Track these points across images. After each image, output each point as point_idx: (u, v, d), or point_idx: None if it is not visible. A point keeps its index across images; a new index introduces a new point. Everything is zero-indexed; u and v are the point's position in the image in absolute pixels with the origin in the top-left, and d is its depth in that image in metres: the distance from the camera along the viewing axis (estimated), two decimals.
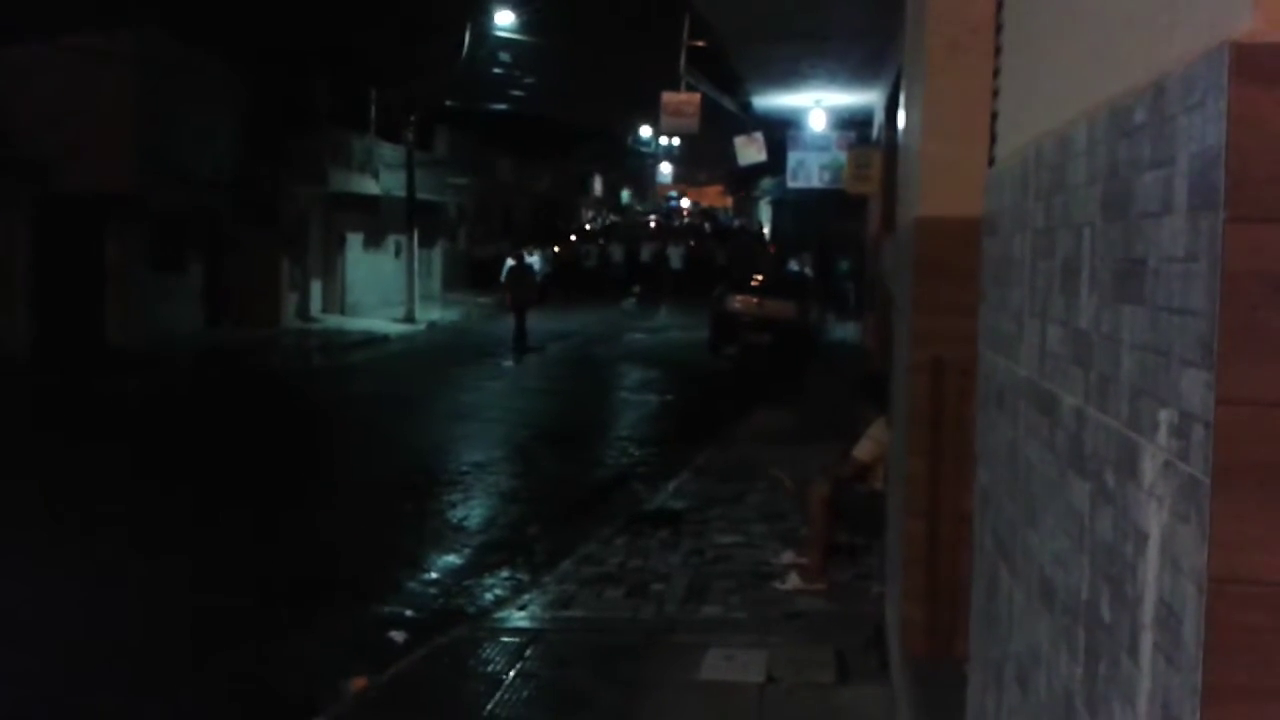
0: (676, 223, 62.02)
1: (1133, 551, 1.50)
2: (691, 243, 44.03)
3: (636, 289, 34.99)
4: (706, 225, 59.93)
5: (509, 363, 19.85)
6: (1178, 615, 1.31)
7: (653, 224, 57.41)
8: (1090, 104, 1.87)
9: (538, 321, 24.32)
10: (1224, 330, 1.20)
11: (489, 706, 5.09)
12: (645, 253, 40.57)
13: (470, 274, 34.51)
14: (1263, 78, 1.19)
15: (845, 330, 23.10)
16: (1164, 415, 1.38)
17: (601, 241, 42.65)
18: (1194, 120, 1.30)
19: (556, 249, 36.42)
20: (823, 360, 18.32)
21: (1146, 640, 1.43)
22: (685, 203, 69.83)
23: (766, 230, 48.68)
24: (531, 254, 30.31)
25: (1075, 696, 1.79)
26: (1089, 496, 1.75)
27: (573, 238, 43.35)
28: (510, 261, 23.58)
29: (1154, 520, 1.41)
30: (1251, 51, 1.20)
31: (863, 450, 6.89)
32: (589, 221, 54.07)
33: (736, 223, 58.04)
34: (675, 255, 40.20)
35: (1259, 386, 1.19)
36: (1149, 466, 1.44)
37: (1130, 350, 1.55)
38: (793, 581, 6.75)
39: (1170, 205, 1.39)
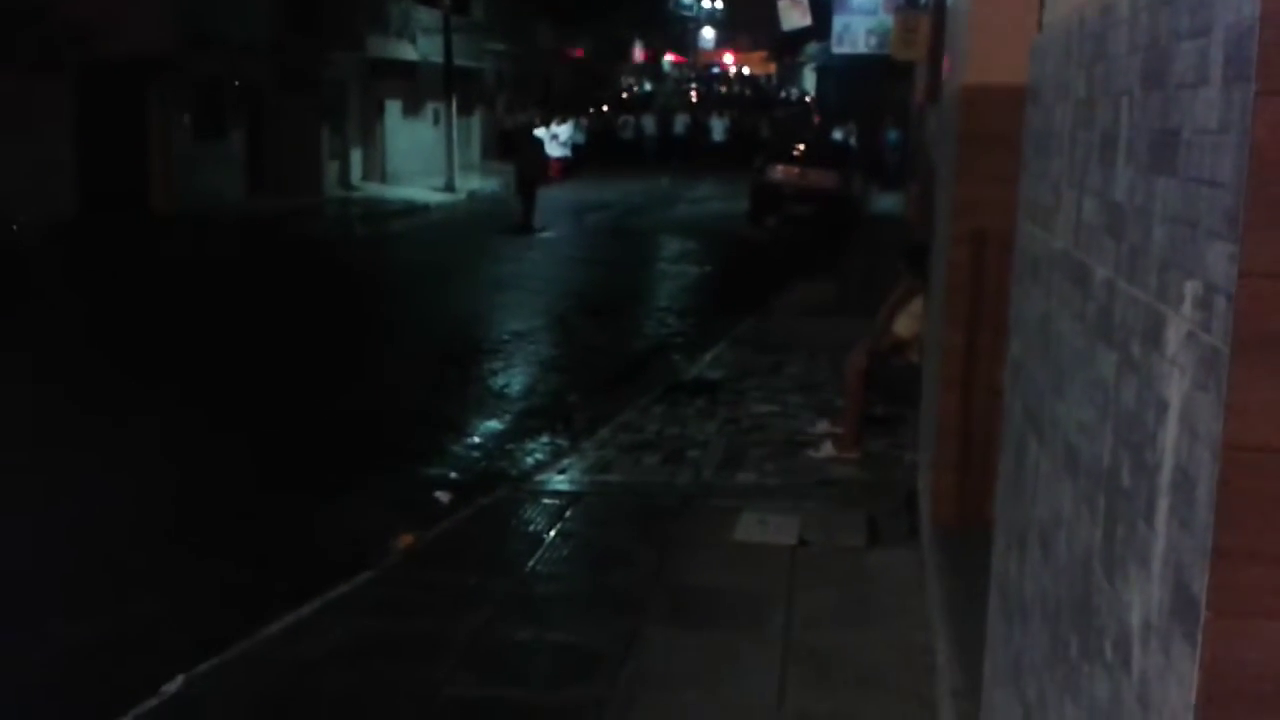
0: (722, 90, 60.10)
1: (1154, 420, 1.54)
2: (735, 113, 42.62)
3: (672, 164, 33.77)
4: (748, 92, 58.48)
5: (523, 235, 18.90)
6: (1192, 481, 1.35)
7: (693, 93, 55.57)
8: None
9: (570, 192, 24.14)
10: (1249, 203, 1.21)
11: (531, 563, 5.28)
12: (680, 124, 38.59)
13: (502, 146, 33.16)
14: None
15: (888, 201, 22.82)
16: (1189, 286, 1.40)
17: (633, 114, 40.44)
18: None
19: (586, 120, 35.01)
20: (865, 231, 18.17)
21: (1163, 505, 1.48)
22: (730, 67, 67.18)
23: (809, 98, 47.43)
24: (561, 124, 29.79)
25: (1094, 558, 1.85)
26: (1115, 367, 1.78)
27: (604, 107, 41.52)
28: (537, 131, 23.24)
29: (1175, 389, 1.45)
30: None
31: (902, 326, 6.92)
32: (626, 90, 52.25)
33: (783, 93, 56.24)
34: (718, 128, 38.23)
35: None
36: (1173, 337, 1.47)
37: (1161, 222, 1.56)
38: (827, 450, 6.86)
39: (1205, 76, 1.38)
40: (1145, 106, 1.69)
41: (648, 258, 17.49)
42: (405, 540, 5.65)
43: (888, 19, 17.54)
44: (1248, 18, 1.24)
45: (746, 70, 66.96)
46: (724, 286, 14.37)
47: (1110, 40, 1.97)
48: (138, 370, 9.08)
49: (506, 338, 10.99)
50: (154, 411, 7.91)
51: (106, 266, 14.64)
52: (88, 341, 10.25)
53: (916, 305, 6.79)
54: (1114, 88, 1.92)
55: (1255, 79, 1.21)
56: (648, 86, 56.42)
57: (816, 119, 36.29)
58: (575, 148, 30.66)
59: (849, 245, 16.65)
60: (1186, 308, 1.41)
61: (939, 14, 10.88)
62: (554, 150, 28.31)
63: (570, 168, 29.36)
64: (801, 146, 22.34)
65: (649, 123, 38.60)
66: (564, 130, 29.90)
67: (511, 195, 20.96)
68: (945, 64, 6.51)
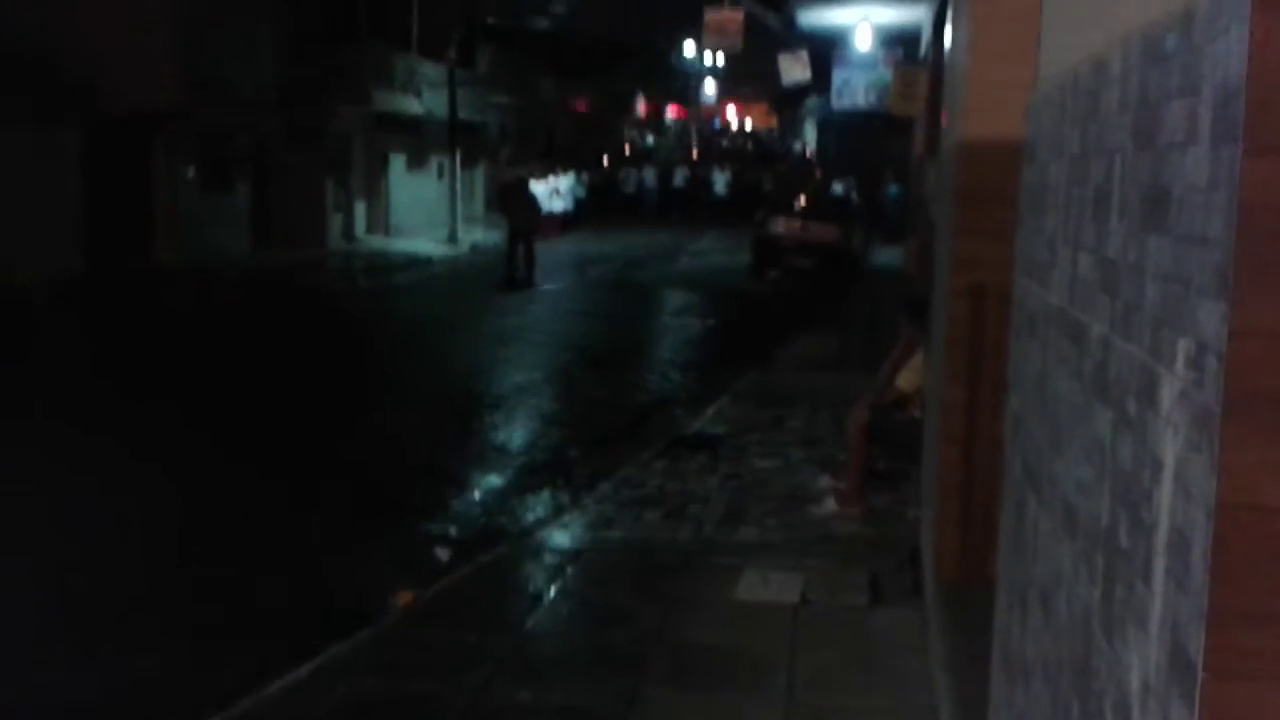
0: (725, 143, 60.30)
1: (1150, 479, 1.53)
2: (737, 167, 42.79)
3: (672, 218, 33.96)
4: (750, 146, 58.79)
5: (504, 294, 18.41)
6: (1188, 541, 1.33)
7: (694, 146, 55.70)
8: (1128, 29, 1.85)
9: (572, 245, 24.23)
10: (1239, 262, 1.21)
11: (530, 621, 5.23)
12: (680, 177, 38.59)
13: (499, 199, 33.34)
14: None
15: (888, 254, 22.90)
16: (1182, 345, 1.39)
17: (635, 167, 40.78)
18: (1218, 50, 1.30)
19: (586, 173, 35.02)
20: (866, 285, 18.21)
21: (1159, 565, 1.46)
22: (732, 120, 67.48)
23: (810, 150, 47.67)
24: (561, 177, 29.89)
25: (1093, 618, 1.83)
26: (1111, 425, 1.77)
27: (605, 161, 41.59)
28: (536, 185, 23.39)
29: (1170, 448, 1.44)
30: None
31: (904, 380, 6.91)
32: (629, 142, 52.64)
33: (784, 146, 56.48)
34: (720, 181, 38.23)
35: (1271, 318, 1.20)
36: (1167, 395, 1.46)
37: (1154, 280, 1.56)
38: (829, 506, 6.82)
39: (1195, 135, 1.39)
40: (1137, 164, 1.70)
41: (649, 311, 17.54)
42: (404, 598, 5.60)
43: (887, 74, 17.72)
44: (1235, 78, 1.25)
45: (749, 123, 67.48)
46: (726, 340, 14.39)
47: (1102, 98, 1.98)
48: (141, 421, 9.07)
49: (508, 391, 10.99)
50: (156, 461, 7.90)
51: (111, 320, 14.70)
52: (91, 395, 10.26)
53: (918, 359, 6.79)
54: (1106, 145, 1.92)
55: (1242, 139, 1.21)
56: (650, 139, 56.74)
57: (818, 172, 36.47)
58: (576, 201, 30.83)
59: (850, 298, 16.69)
60: (1179, 366, 1.40)
61: (937, 70, 10.99)
62: (555, 204, 28.46)
63: (571, 221, 29.50)
64: (803, 200, 22.48)
65: (649, 176, 38.66)
66: (564, 183, 30.03)
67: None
68: (943, 119, 6.56)
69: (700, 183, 38.62)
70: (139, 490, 7.30)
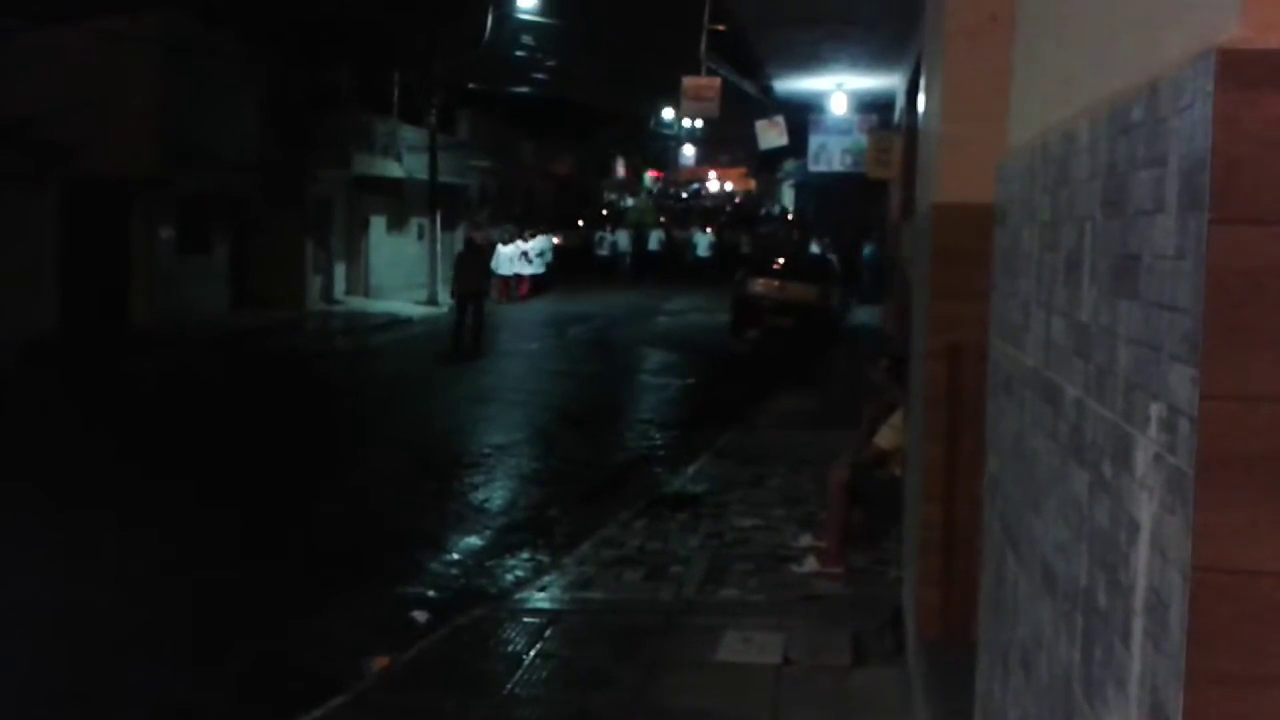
0: (708, 203, 60.32)
1: (1126, 541, 1.54)
2: (719, 227, 42.64)
3: (646, 282, 32.95)
4: (728, 208, 59.22)
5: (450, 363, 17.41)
6: (1165, 603, 1.35)
7: (669, 206, 55.40)
8: (1095, 99, 1.90)
9: (550, 305, 24.19)
10: (1208, 327, 1.24)
11: (509, 685, 5.18)
12: (654, 240, 37.61)
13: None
14: (1248, 84, 1.23)
15: (865, 314, 23.08)
16: (1154, 408, 1.42)
17: (607, 229, 39.34)
18: (1184, 123, 1.34)
19: (557, 238, 33.36)
20: (844, 344, 18.32)
21: (1137, 627, 1.47)
22: (712, 185, 67.87)
23: (790, 214, 47.91)
24: (532, 239, 29.60)
25: (1073, 680, 1.83)
26: (1088, 486, 1.79)
27: (580, 223, 40.15)
28: (505, 248, 23.21)
29: (1145, 510, 1.46)
30: (1237, 57, 1.23)
31: (883, 438, 6.93)
32: (607, 205, 52.38)
33: (763, 209, 56.76)
34: (702, 243, 37.45)
35: (1241, 382, 1.23)
36: (1141, 458, 1.48)
37: (1125, 344, 1.59)
38: (810, 565, 6.80)
39: (1162, 204, 1.43)
40: (1107, 231, 1.74)
41: (629, 370, 17.56)
42: (381, 662, 5.53)
43: (862, 139, 17.99)
44: (1200, 149, 1.29)
45: (729, 186, 68.10)
46: (706, 398, 14.41)
47: (1072, 166, 2.03)
48: (108, 484, 8.98)
49: (487, 451, 10.95)
50: (128, 527, 7.81)
51: (82, 380, 14.60)
52: (57, 456, 10.16)
53: (897, 417, 6.82)
54: (1077, 212, 1.97)
55: (1209, 208, 1.25)
56: (629, 201, 56.55)
57: (796, 233, 36.68)
58: (546, 265, 30.32)
59: (829, 358, 16.77)
60: (1153, 429, 1.43)
61: (911, 134, 11.17)
62: (523, 267, 28.36)
63: (542, 284, 29.31)
64: (781, 260, 22.67)
65: (623, 238, 37.76)
66: (536, 246, 29.72)
67: (494, 308, 20.82)
68: (917, 182, 6.66)
69: (678, 245, 37.96)
70: (104, 555, 7.21)
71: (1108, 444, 1.67)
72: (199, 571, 6.99)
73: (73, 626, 5.99)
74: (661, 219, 45.98)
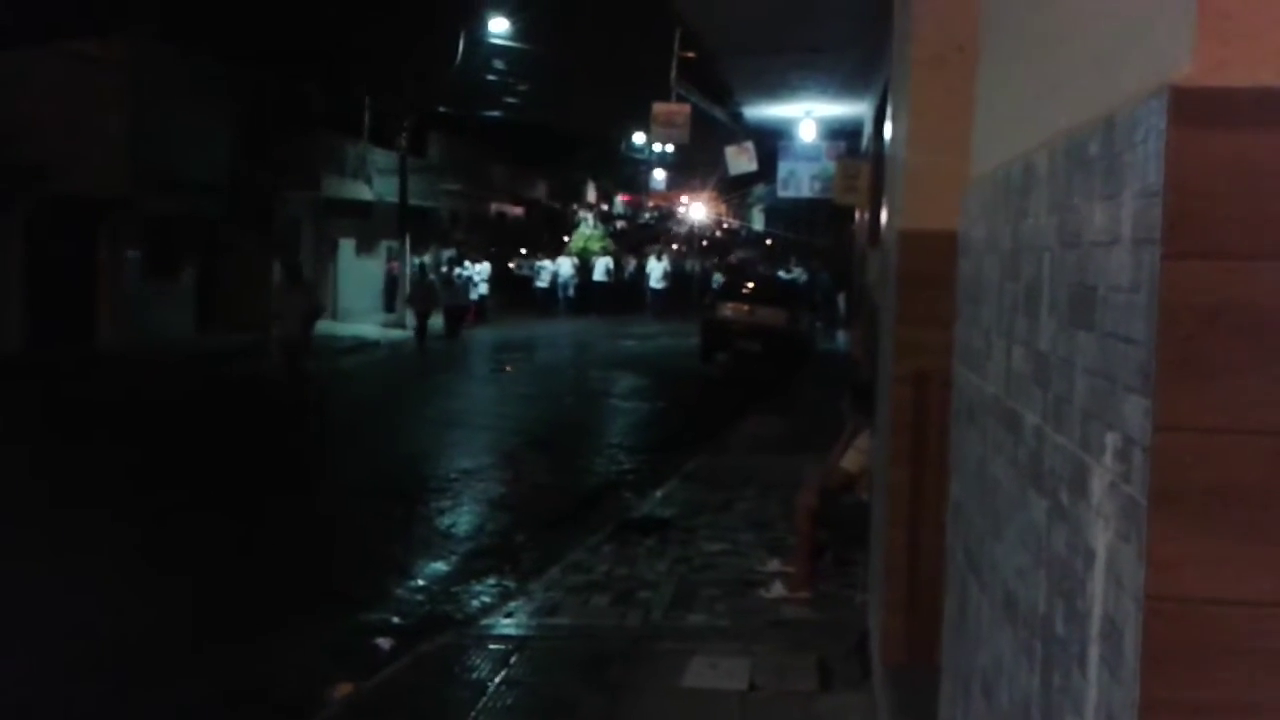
0: (677, 229, 59.29)
1: (1083, 568, 1.56)
2: (682, 251, 41.00)
3: (589, 316, 30.18)
4: (697, 230, 59.14)
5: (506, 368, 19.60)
6: (1120, 630, 1.36)
7: (620, 228, 52.89)
8: (1054, 132, 1.93)
9: (515, 331, 24.19)
10: (1161, 360, 1.26)
11: (474, 713, 5.13)
12: (600, 269, 34.01)
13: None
14: (1200, 121, 1.25)
15: (835, 339, 23.20)
16: (1110, 438, 1.44)
17: (539, 256, 35.61)
18: (1138, 157, 1.37)
19: (488, 263, 30.74)
20: (813, 368, 18.40)
21: (1094, 654, 1.49)
22: (680, 207, 67.09)
23: (766, 239, 47.57)
24: (477, 264, 28.96)
25: (1033, 707, 1.84)
26: (1046, 513, 1.81)
27: (522, 250, 36.62)
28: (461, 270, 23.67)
29: (1101, 538, 1.47)
30: (1189, 95, 1.26)
31: (850, 461, 6.96)
32: (573, 228, 50.48)
33: (723, 230, 55.70)
34: (656, 272, 33.47)
35: (1193, 413, 1.24)
36: (1097, 486, 1.50)
37: (1082, 374, 1.61)
38: (778, 590, 6.80)
39: (1117, 237, 1.45)
40: (1064, 262, 1.76)
41: (598, 393, 17.55)
42: (343, 689, 5.48)
43: (831, 165, 18.13)
44: (1153, 184, 1.31)
45: (701, 210, 67.85)
46: (674, 422, 14.41)
47: (1032, 197, 2.05)
48: (72, 507, 8.86)
49: (454, 475, 10.90)
50: (87, 550, 7.71)
51: (47, 402, 14.42)
52: (19, 479, 10.01)
53: (863, 440, 6.84)
54: (1036, 243, 2.00)
55: (1160, 243, 1.27)
56: (586, 223, 53.48)
57: (758, 261, 36.20)
58: (479, 296, 28.48)
59: (798, 382, 16.83)
60: (1108, 458, 1.45)
61: (878, 161, 11.27)
62: (473, 292, 27.54)
63: (477, 313, 27.88)
64: (750, 285, 22.79)
65: (565, 266, 34.02)
66: (480, 270, 28.97)
67: (462, 331, 20.97)
68: (884, 209, 6.71)
69: (627, 275, 34.34)
70: (56, 583, 7.09)
71: (1065, 472, 1.69)
72: (156, 595, 6.90)
73: (19, 649, 5.89)
74: (611, 246, 41.69)
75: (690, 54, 16.23)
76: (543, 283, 33.28)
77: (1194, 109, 1.26)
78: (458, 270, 27.57)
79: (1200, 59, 1.27)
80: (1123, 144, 1.44)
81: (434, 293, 23.99)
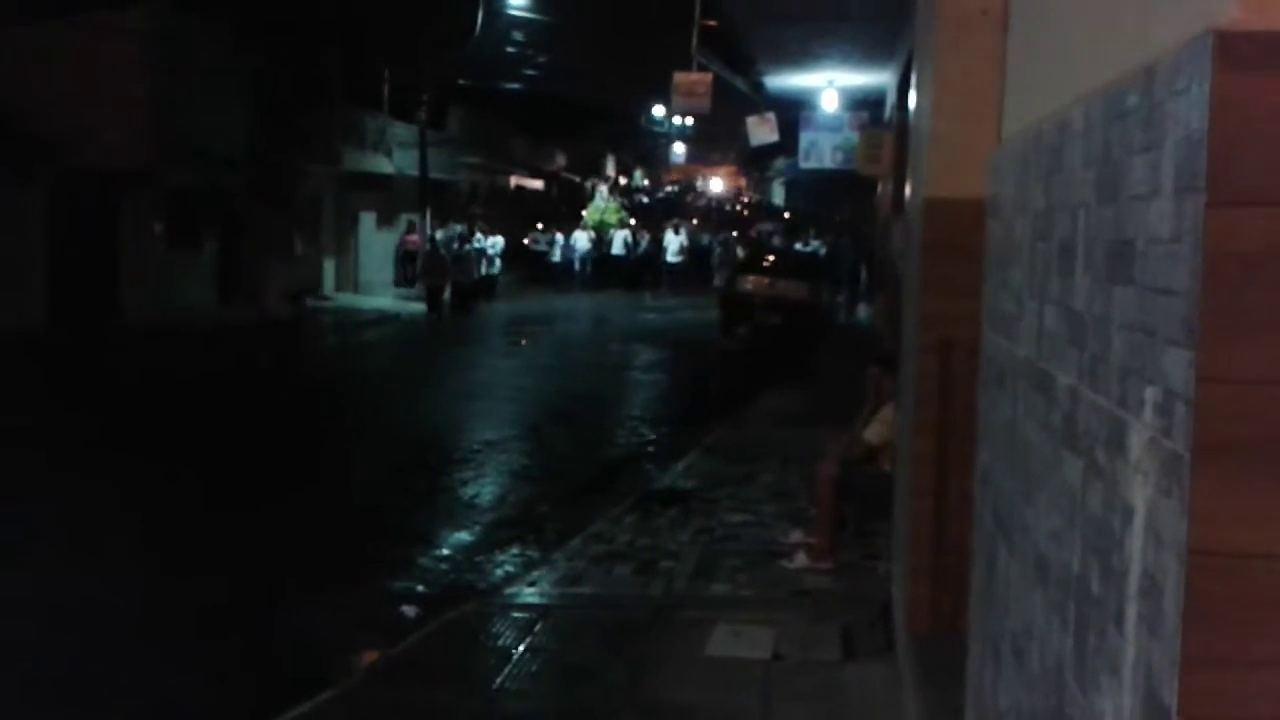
0: (698, 204, 58.57)
1: (1120, 526, 1.54)
2: (700, 223, 40.40)
3: (606, 290, 29.94)
4: (726, 206, 58.75)
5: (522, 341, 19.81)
6: (1160, 587, 1.35)
7: (641, 202, 52.07)
8: (1089, 88, 1.90)
9: (518, 307, 24.25)
10: (1205, 310, 1.24)
11: (499, 680, 5.16)
12: (619, 242, 32.99)
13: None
14: (1244, 65, 1.22)
15: (858, 312, 23.11)
16: (1149, 393, 1.42)
17: (552, 230, 34.30)
18: (1180, 106, 1.34)
19: (501, 237, 29.44)
20: (834, 341, 18.34)
21: (1131, 612, 1.47)
22: (701, 180, 66.07)
23: (786, 213, 47.33)
24: (486, 238, 28.51)
25: (1066, 668, 1.83)
26: (1081, 473, 1.79)
27: (539, 225, 35.15)
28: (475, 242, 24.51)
29: (1139, 495, 1.45)
30: (1234, 40, 1.23)
31: (872, 433, 6.94)
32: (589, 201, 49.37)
33: (743, 205, 55.03)
34: (672, 246, 32.64)
35: (1237, 365, 1.22)
36: (1136, 443, 1.48)
37: (1120, 330, 1.58)
38: (800, 560, 6.80)
39: (1157, 188, 1.42)
40: (1100, 218, 1.73)
41: (619, 366, 17.55)
42: (370, 657, 5.52)
43: (853, 136, 18.01)
44: (1197, 131, 1.28)
45: (721, 183, 67.46)
46: (695, 395, 14.40)
47: (1066, 154, 2.02)
48: (100, 480, 8.93)
49: (477, 447, 10.93)
50: (119, 519, 7.78)
51: (71, 376, 14.52)
52: (47, 452, 10.10)
53: (887, 412, 6.82)
54: (1070, 200, 1.96)
55: (1205, 189, 1.24)
56: (601, 196, 51.62)
57: (779, 239, 35.41)
58: (491, 267, 28.00)
59: (819, 354, 16.78)
60: (1148, 414, 1.42)
61: (902, 131, 11.18)
62: (486, 266, 27.14)
63: (490, 286, 27.41)
64: (771, 258, 22.70)
65: (581, 240, 32.82)
66: (494, 244, 28.21)
67: (484, 304, 20.92)
68: (908, 178, 6.65)
69: (645, 248, 33.62)
70: (91, 549, 7.17)
71: (1101, 430, 1.66)
72: (186, 566, 6.96)
73: (64, 619, 5.96)
74: (631, 220, 40.16)
75: (712, 21, 16.10)
76: (555, 257, 32.67)
77: (1238, 53, 1.23)
78: (468, 246, 27.18)
79: (1244, 2, 1.24)
80: (1163, 93, 1.41)
81: (445, 266, 24.17)
